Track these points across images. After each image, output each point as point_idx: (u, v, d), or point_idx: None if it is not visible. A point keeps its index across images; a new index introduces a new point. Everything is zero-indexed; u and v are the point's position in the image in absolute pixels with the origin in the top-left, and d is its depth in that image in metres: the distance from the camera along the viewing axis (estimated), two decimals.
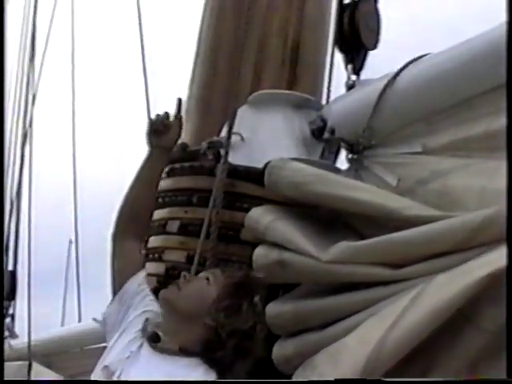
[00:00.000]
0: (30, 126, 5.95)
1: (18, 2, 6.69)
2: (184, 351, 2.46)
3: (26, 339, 5.24)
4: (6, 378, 5.26)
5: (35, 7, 6.30)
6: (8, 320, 6.16)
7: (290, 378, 2.48)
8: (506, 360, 2.02)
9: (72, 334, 5.52)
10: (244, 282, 2.56)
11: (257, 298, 2.49)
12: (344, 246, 2.46)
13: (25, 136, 6.02)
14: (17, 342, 5.87)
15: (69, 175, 6.99)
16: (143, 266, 2.77)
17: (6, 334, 6.09)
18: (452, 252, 2.25)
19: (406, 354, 2.18)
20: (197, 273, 2.78)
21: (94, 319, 5.08)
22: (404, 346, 2.17)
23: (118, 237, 2.71)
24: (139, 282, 2.65)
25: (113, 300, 2.68)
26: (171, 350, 2.46)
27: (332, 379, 2.29)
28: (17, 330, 6.21)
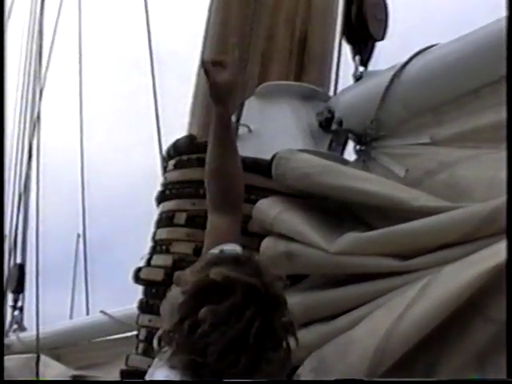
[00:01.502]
0: (38, 119, 5.95)
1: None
2: None
3: (34, 332, 5.25)
4: (15, 371, 5.30)
5: (42, 2, 6.31)
6: (17, 313, 6.19)
7: (298, 369, 2.47)
8: (506, 360, 2.03)
9: (80, 326, 5.53)
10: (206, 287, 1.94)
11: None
12: (351, 237, 2.46)
13: (33, 129, 6.03)
14: (25, 335, 5.88)
15: (77, 169, 7.00)
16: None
17: (15, 326, 6.13)
18: (460, 243, 2.25)
19: (414, 344, 2.18)
20: None
21: (102, 312, 5.10)
22: (412, 337, 2.17)
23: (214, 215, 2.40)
24: None
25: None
26: None
27: (333, 379, 2.30)
28: (25, 322, 6.24)
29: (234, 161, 2.46)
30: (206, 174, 2.50)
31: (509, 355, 2.02)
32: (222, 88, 2.38)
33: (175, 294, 2.03)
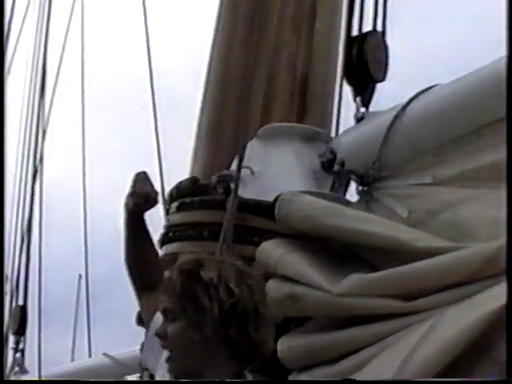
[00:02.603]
0: (41, 162, 5.97)
1: (28, 40, 6.75)
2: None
3: (36, 374, 5.22)
4: None
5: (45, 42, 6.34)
6: (18, 355, 6.15)
7: None
8: (506, 360, 2.02)
9: (82, 369, 5.51)
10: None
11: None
12: (355, 279, 2.46)
13: (35, 172, 6.04)
14: (27, 378, 5.85)
15: (79, 209, 7.01)
16: None
17: (17, 369, 6.08)
18: (464, 283, 2.24)
19: None
20: None
21: (105, 354, 5.07)
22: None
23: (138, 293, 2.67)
24: None
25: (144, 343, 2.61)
26: None
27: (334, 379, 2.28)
28: (27, 365, 6.19)
29: (146, 250, 2.67)
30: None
31: (509, 355, 2.01)
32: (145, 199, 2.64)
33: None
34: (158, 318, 2.33)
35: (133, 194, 2.61)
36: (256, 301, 2.15)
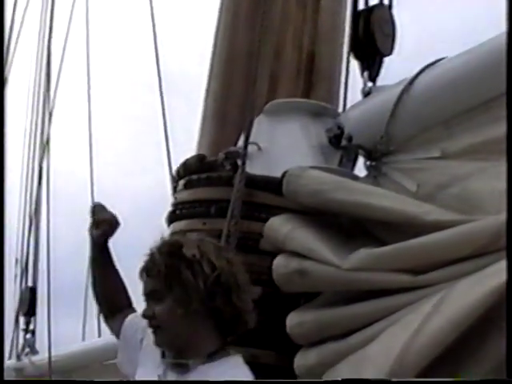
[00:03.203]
0: (48, 143, 5.96)
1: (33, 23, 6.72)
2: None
3: (46, 355, 5.23)
4: None
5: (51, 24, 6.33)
6: (29, 336, 6.18)
7: None
8: (506, 360, 2.01)
9: (92, 348, 5.51)
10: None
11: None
12: (364, 254, 2.45)
13: (42, 153, 6.04)
14: (38, 358, 5.87)
15: (86, 191, 7.00)
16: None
17: (27, 350, 6.11)
18: (473, 256, 2.23)
19: (431, 360, 2.16)
20: None
21: None
22: (428, 354, 2.15)
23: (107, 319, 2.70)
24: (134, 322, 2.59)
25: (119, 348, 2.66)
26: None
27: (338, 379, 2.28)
28: (38, 346, 6.22)
29: (112, 276, 2.66)
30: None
31: (508, 355, 2.01)
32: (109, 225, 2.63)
33: None
34: (130, 320, 2.54)
35: (97, 224, 2.61)
36: (235, 272, 2.32)
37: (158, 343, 2.35)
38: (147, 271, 2.33)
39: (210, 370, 2.28)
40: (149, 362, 2.44)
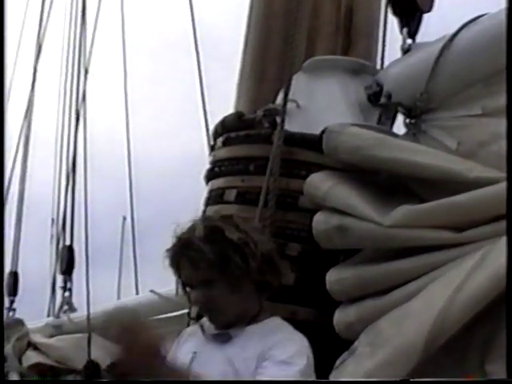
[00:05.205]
0: (84, 101, 5.97)
1: None
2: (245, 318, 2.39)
3: (85, 312, 5.29)
4: (67, 350, 5.36)
5: None
6: (67, 294, 6.25)
7: (354, 343, 2.47)
8: (506, 360, 2.01)
9: (131, 306, 5.56)
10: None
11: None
12: (405, 210, 2.44)
13: (78, 112, 6.05)
14: (76, 315, 5.94)
15: (123, 151, 7.04)
16: None
17: (66, 307, 6.19)
18: None
19: (471, 318, 2.16)
20: None
21: (152, 291, 5.13)
22: (470, 310, 2.15)
23: None
24: None
25: None
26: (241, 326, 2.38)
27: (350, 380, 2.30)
28: (75, 303, 6.29)
29: None
30: None
31: (508, 355, 2.02)
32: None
33: None
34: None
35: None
36: (267, 240, 2.44)
37: (216, 325, 2.42)
38: (193, 262, 2.35)
39: (256, 330, 2.36)
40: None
